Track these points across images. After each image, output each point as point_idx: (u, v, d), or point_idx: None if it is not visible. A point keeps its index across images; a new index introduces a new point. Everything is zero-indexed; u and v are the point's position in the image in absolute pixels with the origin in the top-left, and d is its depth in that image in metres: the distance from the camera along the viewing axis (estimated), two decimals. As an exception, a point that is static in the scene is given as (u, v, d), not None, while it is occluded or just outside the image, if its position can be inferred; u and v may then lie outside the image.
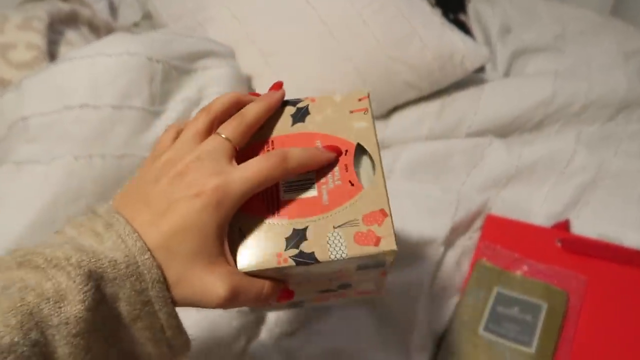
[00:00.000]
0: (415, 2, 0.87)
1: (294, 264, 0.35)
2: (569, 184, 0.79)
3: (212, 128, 0.36)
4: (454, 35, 0.86)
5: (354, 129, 0.38)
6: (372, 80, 0.81)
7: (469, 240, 0.73)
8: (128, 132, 0.60)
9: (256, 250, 0.35)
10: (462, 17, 1.04)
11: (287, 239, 0.35)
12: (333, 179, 0.37)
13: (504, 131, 0.87)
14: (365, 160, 0.38)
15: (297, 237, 0.35)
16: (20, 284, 0.28)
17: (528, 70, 1.00)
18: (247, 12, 0.84)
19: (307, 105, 0.40)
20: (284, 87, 0.40)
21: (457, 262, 0.70)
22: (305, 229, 0.35)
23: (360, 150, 0.38)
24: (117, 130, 0.59)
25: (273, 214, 0.36)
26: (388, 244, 0.35)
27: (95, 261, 0.30)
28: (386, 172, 0.75)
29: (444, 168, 0.78)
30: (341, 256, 0.35)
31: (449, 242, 0.71)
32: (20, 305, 0.27)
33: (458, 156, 0.79)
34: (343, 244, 0.35)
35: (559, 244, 0.70)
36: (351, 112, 0.39)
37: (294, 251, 0.35)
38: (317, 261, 0.35)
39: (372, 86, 0.81)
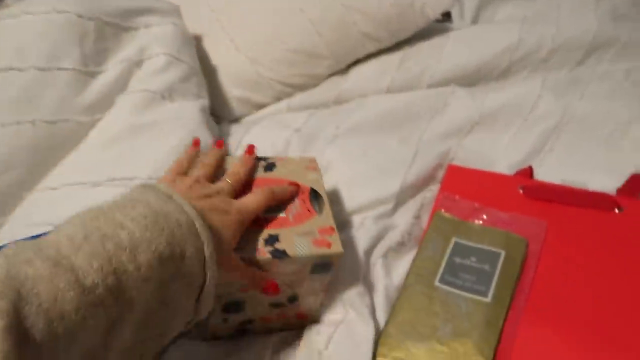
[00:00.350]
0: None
1: (270, 256, 0.47)
2: (532, 130, 0.76)
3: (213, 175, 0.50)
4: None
5: (308, 179, 0.55)
6: (327, 32, 0.78)
7: (430, 192, 0.71)
8: (60, 95, 0.57)
9: (243, 247, 0.47)
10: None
11: (265, 240, 0.48)
12: (295, 208, 0.52)
13: (470, 80, 0.84)
14: (318, 198, 0.54)
15: (272, 240, 0.48)
16: (98, 233, 0.34)
17: (497, 18, 0.97)
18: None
19: (275, 161, 0.56)
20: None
21: (416, 215, 0.68)
22: (277, 235, 0.49)
23: (313, 192, 0.54)
24: (47, 94, 0.56)
25: (253, 225, 0.49)
26: (337, 247, 0.50)
27: (165, 219, 0.37)
28: (343, 128, 0.73)
29: (405, 119, 0.76)
30: (304, 253, 0.48)
31: (408, 196, 0.69)
32: (102, 251, 0.33)
33: (419, 106, 0.77)
34: (306, 246, 0.49)
35: (520, 191, 0.68)
36: (306, 167, 0.57)
37: (270, 248, 0.48)
38: (287, 255, 0.48)
39: (327, 39, 0.78)
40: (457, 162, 0.75)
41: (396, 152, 0.72)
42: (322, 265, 0.50)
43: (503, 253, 0.62)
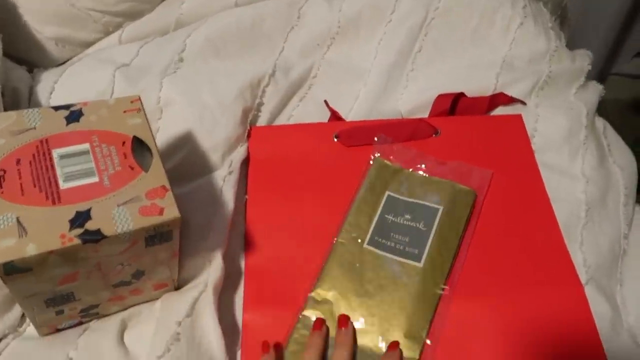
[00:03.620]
0: None
1: (80, 241, 0.36)
2: (397, 32, 0.69)
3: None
4: None
5: (129, 125, 0.43)
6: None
7: (294, 110, 0.64)
8: None
9: (38, 236, 0.36)
10: None
11: (71, 221, 0.37)
12: (113, 166, 0.41)
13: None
14: (143, 149, 0.42)
15: (81, 218, 0.37)
16: None
17: None
18: None
19: (80, 108, 0.44)
20: None
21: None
22: (88, 210, 0.38)
23: (138, 141, 0.43)
24: None
25: (54, 202, 0.38)
26: (171, 212, 0.39)
27: None
28: (182, 55, 0.63)
29: (254, 36, 0.66)
30: (127, 229, 0.38)
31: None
32: None
33: (271, 19, 0.67)
34: (129, 218, 0.38)
35: (335, 140, 0.60)
36: (124, 111, 0.44)
37: (79, 230, 0.37)
38: (103, 236, 0.37)
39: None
40: (322, 79, 0.68)
41: (252, 76, 0.63)
42: (158, 236, 0.40)
43: (441, 209, 0.54)
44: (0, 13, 0.60)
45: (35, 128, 0.42)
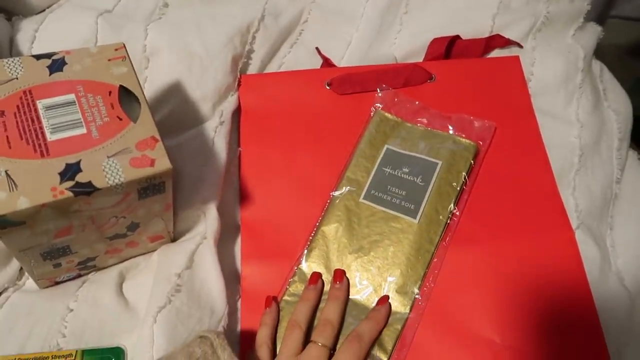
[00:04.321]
0: None
1: (71, 194, 0.36)
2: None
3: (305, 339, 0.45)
4: None
5: (115, 74, 0.42)
6: None
7: (285, 57, 0.63)
8: None
9: (29, 190, 0.36)
10: None
11: (61, 174, 0.37)
12: (100, 117, 0.40)
13: None
14: (131, 99, 0.41)
15: (71, 170, 0.37)
16: None
17: None
18: None
19: (63, 57, 0.42)
20: None
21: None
22: (78, 162, 0.37)
23: (125, 91, 0.41)
24: None
25: (42, 155, 0.37)
26: (163, 164, 0.39)
27: None
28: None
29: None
30: (119, 180, 0.37)
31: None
32: None
33: (259, -38, 0.64)
34: (119, 170, 0.38)
35: (327, 87, 0.59)
36: (109, 60, 0.43)
37: (70, 183, 0.36)
38: (95, 188, 0.37)
39: None
40: (313, 24, 0.65)
41: (241, 21, 0.60)
42: (150, 187, 0.40)
43: (440, 163, 0.53)
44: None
45: (17, 78, 0.41)
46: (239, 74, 0.59)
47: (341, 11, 0.66)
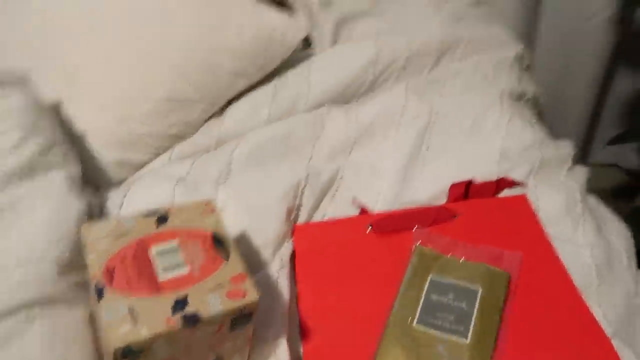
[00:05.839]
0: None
1: (181, 324, 0.43)
2: (408, 133, 0.81)
3: None
4: (269, 13, 0.84)
5: (207, 223, 0.52)
6: (194, 77, 0.77)
7: (327, 208, 0.73)
8: None
9: (148, 321, 0.43)
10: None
11: (173, 308, 0.44)
12: (199, 259, 0.48)
13: (342, 99, 0.88)
14: (222, 243, 0.51)
15: (180, 304, 0.44)
16: None
17: (354, 38, 1.02)
18: (43, 32, 0.76)
19: (166, 212, 0.52)
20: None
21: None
22: (185, 297, 0.45)
23: (216, 237, 0.51)
24: None
25: (157, 292, 0.45)
26: (253, 295, 0.47)
27: None
28: (229, 166, 0.73)
29: (288, 147, 0.77)
30: (220, 310, 0.45)
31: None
32: None
33: (300, 132, 0.79)
34: (218, 301, 0.45)
35: (369, 229, 0.68)
36: (202, 212, 0.53)
37: (180, 314, 0.44)
38: (200, 318, 0.44)
39: (195, 84, 0.77)
40: (348, 179, 0.77)
41: (290, 179, 0.72)
42: (241, 318, 0.47)
43: (480, 289, 0.60)
44: (75, 142, 0.69)
45: (132, 231, 0.50)
46: (292, 223, 0.69)
47: (371, 167, 0.79)
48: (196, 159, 0.74)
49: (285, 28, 0.84)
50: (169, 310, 0.44)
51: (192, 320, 0.44)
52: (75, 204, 0.58)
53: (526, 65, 1.05)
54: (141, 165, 0.76)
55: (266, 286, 0.61)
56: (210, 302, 0.45)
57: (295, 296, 0.63)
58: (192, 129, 0.79)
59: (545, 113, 1.08)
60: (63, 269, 0.52)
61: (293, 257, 0.66)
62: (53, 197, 0.56)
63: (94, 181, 0.71)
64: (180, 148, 0.77)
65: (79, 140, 0.72)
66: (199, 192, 0.67)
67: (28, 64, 0.72)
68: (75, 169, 0.64)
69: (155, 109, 0.75)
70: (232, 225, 0.64)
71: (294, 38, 0.85)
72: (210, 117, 0.81)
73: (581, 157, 1.53)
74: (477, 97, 0.88)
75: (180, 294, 0.45)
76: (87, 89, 0.73)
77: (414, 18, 1.01)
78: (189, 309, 0.44)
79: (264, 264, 0.63)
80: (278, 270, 0.63)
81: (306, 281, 0.64)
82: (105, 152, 0.73)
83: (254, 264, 0.63)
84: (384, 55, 0.90)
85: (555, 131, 0.95)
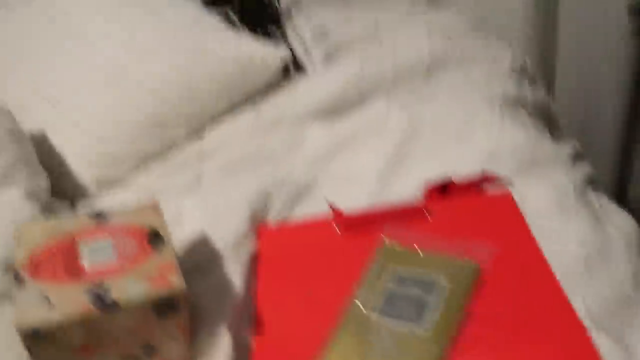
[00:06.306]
0: (204, 21, 0.89)
1: (97, 309, 0.43)
2: (388, 142, 0.79)
3: None
4: (248, 40, 0.88)
5: (148, 221, 0.52)
6: (174, 100, 0.80)
7: (300, 216, 0.71)
8: None
9: (62, 306, 0.43)
10: (272, 30, 1.08)
11: (90, 294, 0.44)
12: (131, 250, 0.49)
13: (327, 116, 0.87)
14: (158, 239, 0.51)
15: (99, 291, 0.44)
16: None
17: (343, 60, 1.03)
18: (26, 57, 0.82)
19: (110, 212, 0.53)
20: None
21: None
22: (104, 284, 0.45)
23: (153, 233, 0.51)
24: None
25: (77, 279, 0.45)
26: (177, 283, 0.46)
27: None
28: (199, 178, 0.74)
29: (263, 159, 0.77)
30: (139, 299, 0.44)
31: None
32: None
33: (277, 144, 0.79)
34: (140, 290, 0.45)
35: (337, 230, 0.66)
36: (146, 213, 0.54)
37: (97, 301, 0.43)
38: (117, 305, 0.43)
39: (176, 107, 0.80)
40: (326, 187, 0.75)
41: (258, 185, 0.71)
42: (166, 306, 0.46)
43: (445, 281, 0.58)
44: (60, 165, 0.74)
45: (68, 229, 0.51)
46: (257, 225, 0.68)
47: (350, 175, 0.77)
48: (169, 172, 0.75)
49: (266, 53, 0.87)
50: (85, 296, 0.43)
51: (108, 306, 0.43)
52: (29, 214, 0.60)
53: (531, 76, 1.01)
54: (120, 182, 0.78)
55: (219, 283, 0.59)
56: (131, 289, 0.44)
57: (254, 293, 0.60)
58: (172, 148, 0.81)
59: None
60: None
61: (255, 256, 0.65)
62: (9, 209, 0.59)
63: (73, 197, 0.74)
64: (160, 164, 0.79)
65: (62, 162, 0.76)
66: (166, 201, 0.68)
67: (12, 90, 0.78)
68: (41, 185, 0.67)
69: (135, 131, 0.78)
70: (193, 227, 0.65)
71: (274, 61, 0.87)
72: (191, 136, 0.83)
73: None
74: (466, 103, 0.85)
75: (100, 281, 0.45)
76: (68, 115, 0.78)
77: (402, 40, 1.01)
78: (107, 295, 0.44)
79: (222, 263, 0.62)
80: (235, 269, 0.61)
81: (266, 279, 0.62)
82: (87, 170, 0.76)
83: (210, 263, 0.62)
84: (369, 71, 0.90)
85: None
